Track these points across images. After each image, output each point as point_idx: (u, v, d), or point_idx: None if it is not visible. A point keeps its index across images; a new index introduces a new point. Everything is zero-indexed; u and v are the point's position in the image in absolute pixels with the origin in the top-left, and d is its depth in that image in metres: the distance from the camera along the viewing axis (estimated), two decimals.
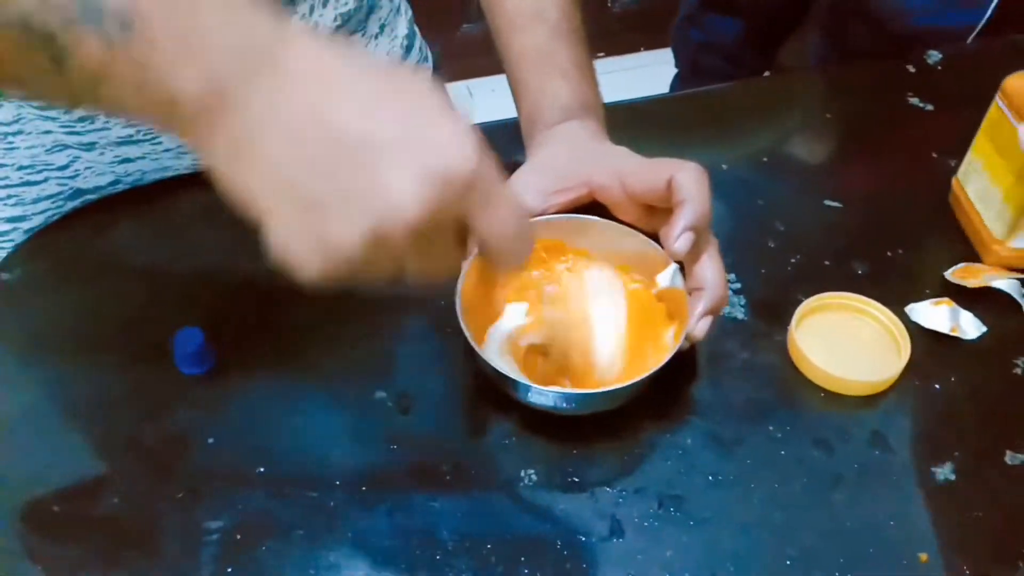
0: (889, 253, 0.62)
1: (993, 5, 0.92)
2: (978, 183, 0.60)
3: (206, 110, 0.34)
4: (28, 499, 0.49)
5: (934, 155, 0.70)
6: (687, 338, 0.49)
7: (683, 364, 0.54)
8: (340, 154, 0.34)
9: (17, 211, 0.64)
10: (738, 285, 0.60)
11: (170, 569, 0.46)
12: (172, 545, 0.47)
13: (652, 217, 0.52)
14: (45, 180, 0.64)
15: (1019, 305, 0.58)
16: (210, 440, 0.51)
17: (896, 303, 0.57)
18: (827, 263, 0.62)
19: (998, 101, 0.57)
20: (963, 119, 0.64)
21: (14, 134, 0.62)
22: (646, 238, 0.53)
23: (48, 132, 0.62)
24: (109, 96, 0.34)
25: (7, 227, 0.65)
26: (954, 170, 0.65)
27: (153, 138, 0.63)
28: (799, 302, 0.57)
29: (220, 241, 0.36)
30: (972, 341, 0.56)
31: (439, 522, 0.48)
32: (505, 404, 0.52)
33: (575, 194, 0.54)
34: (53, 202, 0.65)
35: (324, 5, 0.64)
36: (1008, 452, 0.51)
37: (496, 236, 0.38)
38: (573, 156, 0.55)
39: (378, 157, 0.34)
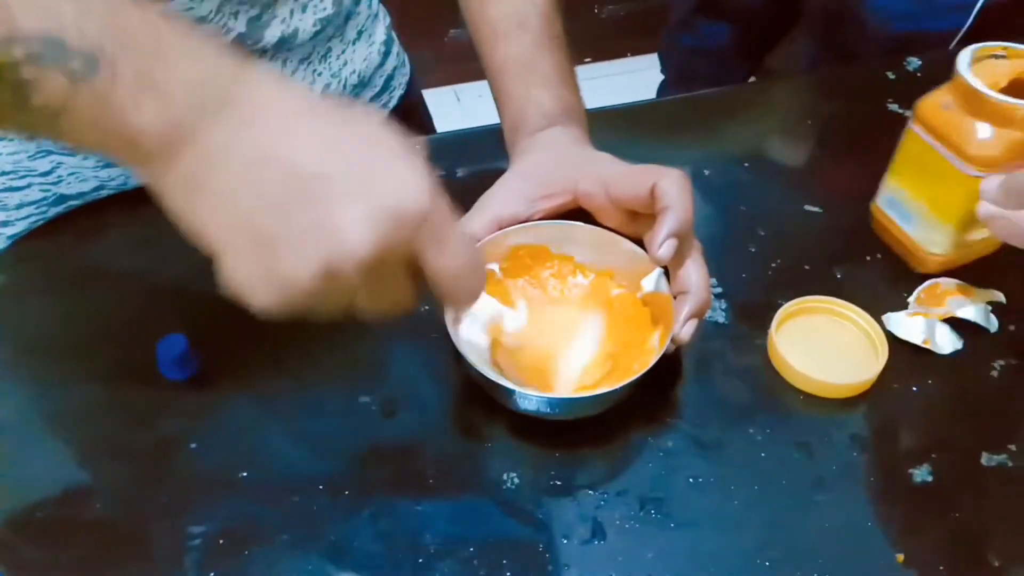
0: (868, 258, 0.63)
1: (975, 12, 0.94)
2: (901, 206, 0.61)
3: (164, 146, 0.35)
4: (12, 505, 0.49)
5: None
6: (673, 341, 0.50)
7: (666, 368, 0.55)
8: (293, 191, 0.35)
9: (1, 216, 0.64)
10: (719, 289, 0.61)
11: (154, 574, 0.46)
12: (156, 550, 0.47)
13: (636, 222, 0.53)
14: (28, 186, 0.64)
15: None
16: (193, 445, 0.51)
17: (875, 307, 0.58)
18: (807, 268, 0.62)
19: (913, 127, 0.58)
20: None
21: None
22: (630, 243, 0.54)
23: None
24: (68, 130, 0.35)
25: None
26: None
27: None
28: (780, 306, 0.57)
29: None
30: (947, 355, 0.57)
31: (422, 526, 0.48)
32: (489, 408, 0.52)
33: (560, 200, 0.55)
34: (37, 208, 0.65)
35: (303, 10, 0.64)
36: (984, 453, 0.52)
37: (447, 274, 0.38)
38: (557, 162, 0.56)
39: (331, 195, 0.34)
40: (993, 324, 0.58)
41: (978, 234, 0.59)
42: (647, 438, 0.52)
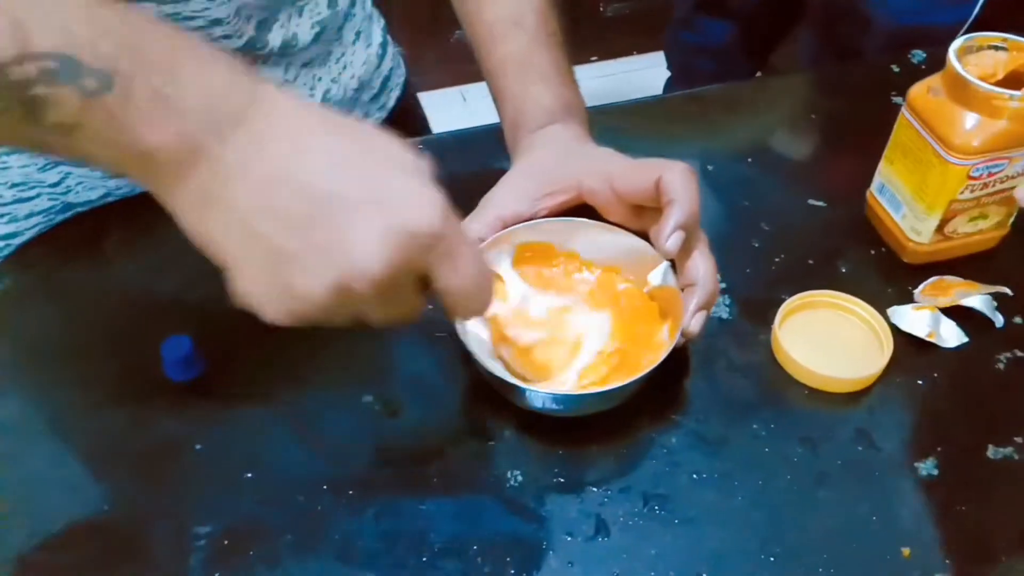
0: (872, 252, 0.63)
1: (979, 5, 0.93)
2: (890, 191, 0.61)
3: (177, 163, 0.35)
4: (17, 508, 0.49)
5: None
6: (682, 335, 0.50)
7: (670, 364, 0.54)
8: (307, 209, 0.35)
9: (11, 228, 0.65)
10: (723, 285, 0.60)
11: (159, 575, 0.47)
12: (161, 551, 0.47)
13: (641, 217, 0.53)
14: (37, 196, 0.64)
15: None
16: (198, 446, 0.51)
17: (879, 301, 0.58)
18: (811, 262, 0.62)
19: (905, 113, 0.58)
20: None
21: (7, 154, 0.62)
22: (636, 238, 0.53)
23: None
24: (81, 146, 0.35)
25: (0, 244, 0.65)
26: None
27: None
28: (783, 301, 0.57)
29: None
30: (952, 349, 0.57)
31: (426, 524, 0.48)
32: (492, 406, 0.52)
33: (564, 197, 0.55)
34: (45, 216, 0.65)
35: (300, 14, 0.64)
36: (990, 446, 0.52)
37: (456, 290, 0.39)
38: (559, 159, 0.56)
39: (344, 213, 0.35)
40: (999, 318, 0.58)
41: (964, 227, 0.59)
42: (651, 435, 0.52)
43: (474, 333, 0.51)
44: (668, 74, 1.73)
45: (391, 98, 0.79)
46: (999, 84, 0.54)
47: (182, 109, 0.35)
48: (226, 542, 0.47)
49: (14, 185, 0.64)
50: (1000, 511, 0.49)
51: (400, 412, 0.53)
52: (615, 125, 0.75)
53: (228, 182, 0.35)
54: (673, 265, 0.52)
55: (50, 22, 0.33)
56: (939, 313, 0.57)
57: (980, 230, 0.60)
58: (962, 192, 0.56)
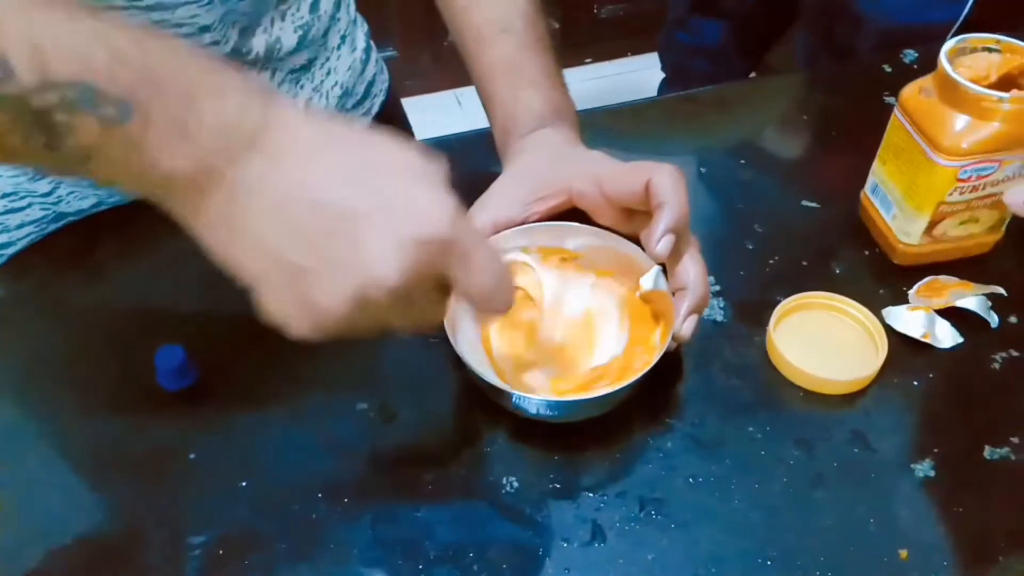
0: (867, 252, 0.63)
1: (971, 1, 0.93)
2: (882, 192, 0.61)
3: (194, 187, 0.36)
4: (10, 519, 0.49)
5: None
6: (674, 339, 0.50)
7: (665, 367, 0.54)
8: (322, 224, 0.36)
9: (3, 238, 0.65)
10: (717, 288, 0.60)
11: None
12: (156, 561, 0.47)
13: (631, 220, 0.53)
14: (29, 205, 0.64)
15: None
16: (192, 455, 0.51)
17: (874, 302, 0.58)
18: (805, 264, 0.62)
19: (897, 114, 0.58)
20: None
21: None
22: (627, 241, 0.53)
23: None
24: (99, 171, 0.36)
25: None
26: None
27: None
28: (778, 303, 0.57)
29: (201, 257, 0.37)
30: (947, 350, 0.57)
31: (422, 532, 0.48)
32: (488, 412, 0.52)
33: (554, 201, 0.55)
34: (37, 226, 0.65)
35: (282, 19, 0.64)
36: (987, 447, 0.52)
37: (476, 291, 0.40)
38: (550, 164, 0.56)
39: (358, 226, 0.36)
40: (993, 318, 0.58)
41: (954, 231, 0.59)
42: (646, 439, 0.52)
43: (466, 339, 0.51)
44: (663, 75, 1.73)
45: (375, 103, 0.79)
46: (992, 86, 0.54)
47: (197, 134, 0.35)
48: (221, 551, 0.47)
49: (5, 195, 0.63)
50: (997, 511, 0.49)
51: (395, 419, 0.53)
52: (609, 127, 0.75)
53: (244, 203, 0.36)
54: (665, 269, 0.52)
55: (69, 50, 0.34)
56: (934, 314, 0.57)
57: (971, 234, 0.59)
58: (951, 194, 0.56)
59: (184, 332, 0.55)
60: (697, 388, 0.55)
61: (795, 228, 0.65)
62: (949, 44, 0.56)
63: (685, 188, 0.50)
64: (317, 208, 0.36)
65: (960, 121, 0.54)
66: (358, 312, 0.37)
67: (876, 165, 0.62)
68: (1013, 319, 0.58)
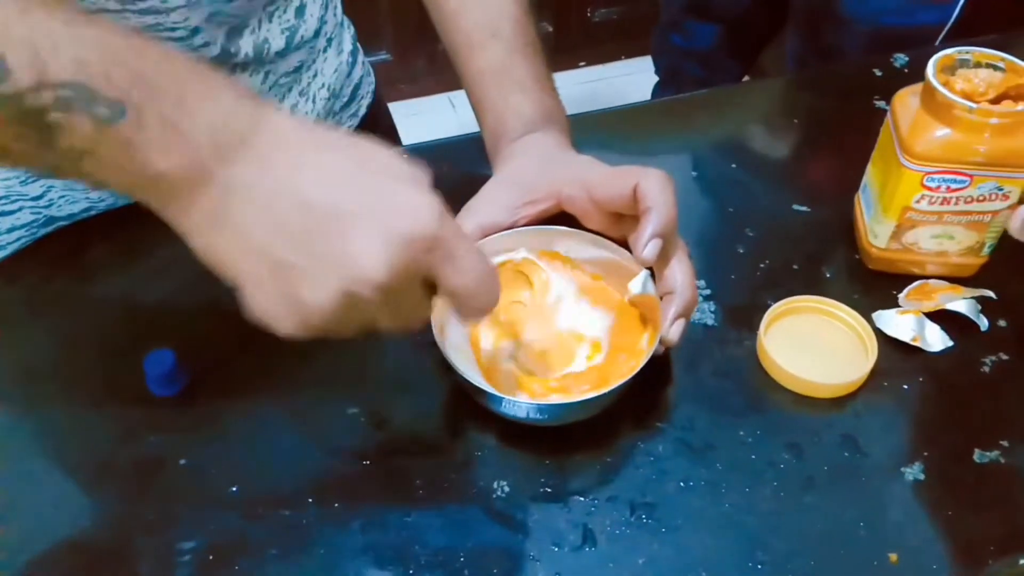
0: (857, 256, 0.63)
1: (961, 4, 0.94)
2: (868, 193, 0.61)
3: (186, 186, 0.37)
4: (1, 522, 0.49)
5: None
6: (662, 342, 0.50)
7: (655, 372, 0.55)
8: (310, 223, 0.37)
9: None
10: (708, 291, 0.60)
11: None
12: (145, 567, 0.47)
13: (620, 224, 0.53)
14: (19, 209, 0.64)
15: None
16: (183, 461, 0.51)
17: (864, 306, 0.58)
18: (796, 267, 0.62)
19: (888, 116, 0.58)
20: None
21: None
22: (616, 246, 0.54)
23: None
24: (92, 171, 0.37)
25: None
26: None
27: None
28: (769, 307, 0.57)
29: (191, 262, 0.38)
30: (937, 353, 0.57)
31: (412, 536, 0.48)
32: (478, 417, 0.52)
33: (543, 206, 0.55)
34: (27, 230, 0.65)
35: (269, 20, 0.64)
36: (977, 450, 0.52)
37: (462, 291, 0.40)
38: (539, 168, 0.56)
39: (345, 224, 0.37)
40: (983, 321, 0.58)
41: (927, 243, 0.58)
42: (637, 443, 0.52)
43: (453, 343, 0.51)
44: (656, 79, 1.73)
45: (362, 106, 0.80)
46: (989, 103, 0.53)
47: (190, 135, 0.36)
48: (211, 557, 0.47)
49: None
50: (987, 515, 0.49)
51: (386, 424, 0.53)
52: (601, 131, 0.75)
53: (234, 202, 0.37)
54: (653, 273, 0.52)
55: (65, 51, 0.35)
56: (924, 317, 0.57)
57: (947, 251, 0.59)
58: (917, 201, 0.56)
59: (174, 337, 0.55)
60: (687, 392, 0.55)
61: (786, 232, 0.65)
62: (948, 52, 0.56)
63: (673, 193, 0.50)
64: (305, 207, 0.37)
65: (931, 127, 0.54)
66: (345, 310, 0.37)
67: (868, 167, 0.62)
68: (1002, 323, 0.58)
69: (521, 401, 0.49)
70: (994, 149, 0.53)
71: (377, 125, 0.82)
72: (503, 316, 0.55)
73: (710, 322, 0.59)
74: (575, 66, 2.11)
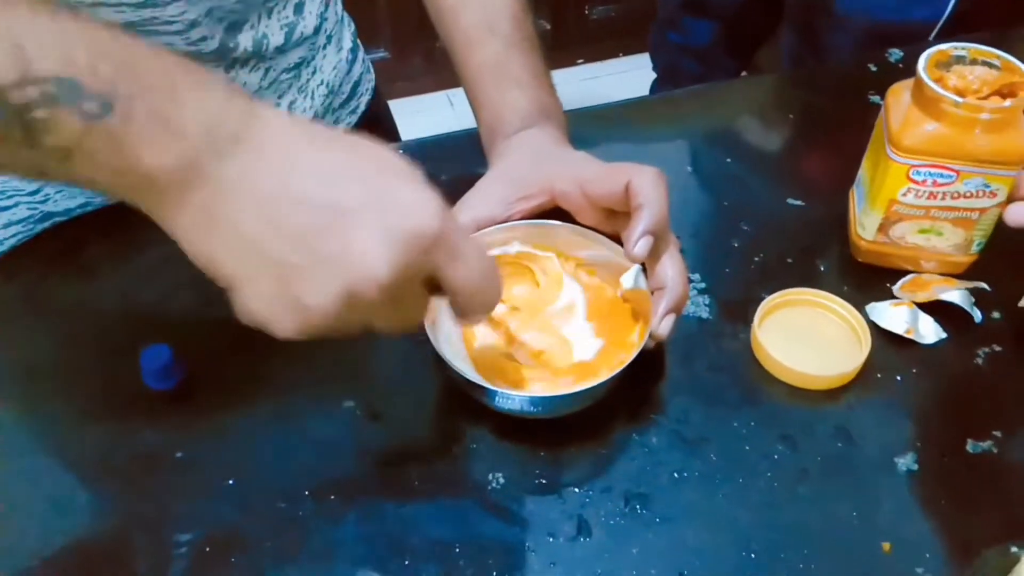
0: (850, 250, 0.63)
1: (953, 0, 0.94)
2: (861, 186, 0.62)
3: (177, 184, 0.35)
4: None
5: None
6: (652, 337, 0.50)
7: (650, 364, 0.55)
8: (309, 220, 0.36)
9: None
10: (703, 285, 0.61)
11: None
12: (142, 560, 0.47)
13: (613, 220, 0.53)
14: (16, 205, 0.64)
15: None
16: (179, 455, 0.51)
17: (858, 299, 0.58)
18: (790, 261, 0.62)
19: (881, 113, 0.58)
20: None
21: None
22: (609, 241, 0.54)
23: None
24: (80, 169, 0.35)
25: None
26: None
27: None
28: (763, 300, 0.57)
29: (188, 258, 0.37)
30: (930, 345, 0.57)
31: (408, 528, 0.48)
32: (473, 409, 0.52)
33: (537, 201, 0.55)
34: (24, 226, 0.65)
35: (269, 15, 0.65)
36: (969, 441, 0.52)
37: (464, 288, 0.40)
38: (534, 164, 0.56)
39: (346, 221, 0.36)
40: (977, 313, 0.58)
41: (913, 237, 0.58)
42: (631, 434, 0.52)
43: (446, 337, 0.51)
44: (654, 76, 1.74)
45: (362, 103, 0.80)
46: (983, 99, 0.53)
47: (181, 130, 0.35)
48: (207, 549, 0.47)
49: None
50: (979, 504, 0.49)
51: (381, 417, 0.53)
52: (596, 127, 0.75)
53: (228, 200, 0.36)
54: (645, 268, 0.52)
55: (50, 46, 0.34)
56: (917, 309, 0.57)
57: (934, 247, 0.59)
58: (904, 194, 0.56)
59: (171, 333, 0.55)
60: (682, 384, 0.55)
61: (781, 226, 0.66)
62: (942, 47, 0.56)
63: (665, 190, 0.50)
64: (303, 205, 0.36)
65: (920, 121, 0.54)
66: (346, 310, 0.36)
67: (864, 160, 0.62)
68: (996, 315, 0.59)
69: (514, 394, 0.49)
70: (982, 145, 0.53)
71: (377, 123, 0.82)
72: (499, 311, 0.55)
73: (705, 315, 0.59)
74: (573, 64, 2.11)
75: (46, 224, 0.66)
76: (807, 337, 0.57)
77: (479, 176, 0.58)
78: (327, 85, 0.73)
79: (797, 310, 0.58)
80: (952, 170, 0.54)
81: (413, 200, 0.37)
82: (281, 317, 0.37)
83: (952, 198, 0.56)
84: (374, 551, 0.47)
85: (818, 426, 0.53)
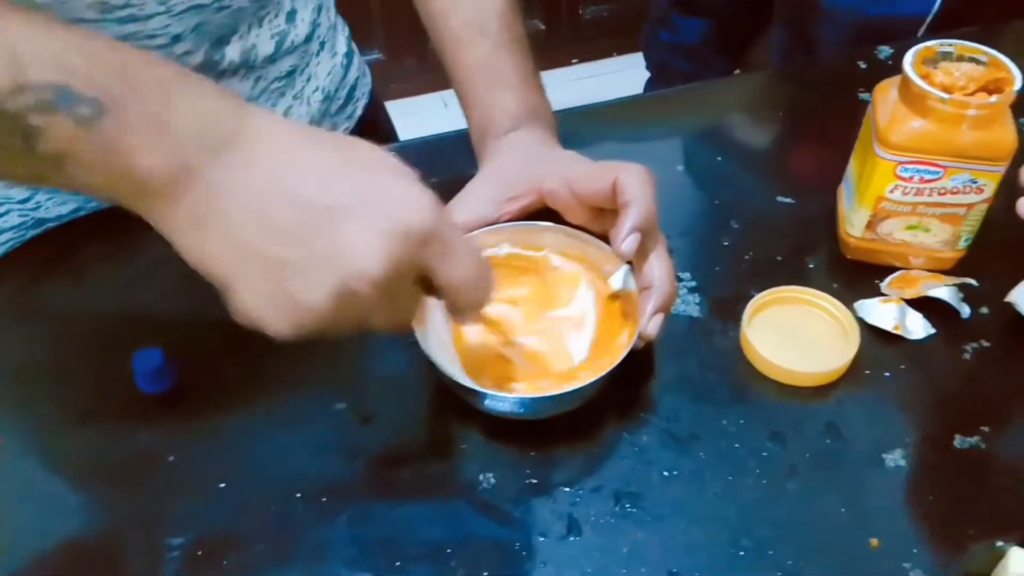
0: (839, 247, 0.63)
1: None
2: (849, 183, 0.62)
3: (171, 186, 0.36)
4: None
5: None
6: (640, 337, 0.50)
7: (640, 363, 0.55)
8: (302, 219, 0.36)
9: None
10: (694, 283, 0.61)
11: None
12: (134, 563, 0.47)
13: (602, 219, 0.53)
14: (7, 212, 0.64)
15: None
16: (171, 458, 0.52)
17: (847, 296, 0.58)
18: (780, 259, 0.63)
19: (869, 110, 0.59)
20: None
21: None
22: (597, 240, 0.54)
23: None
24: (75, 174, 0.36)
25: None
26: None
27: None
28: (753, 298, 0.58)
29: (180, 262, 0.38)
30: (919, 341, 0.57)
31: (400, 530, 0.48)
32: (464, 411, 0.53)
33: (526, 201, 0.55)
34: (16, 232, 0.65)
35: (260, 25, 0.65)
36: (957, 436, 0.52)
37: (457, 285, 0.40)
38: (523, 164, 0.56)
39: (340, 219, 0.36)
40: (965, 309, 0.58)
41: (901, 234, 0.59)
42: (621, 433, 0.53)
43: (436, 339, 0.51)
44: (648, 75, 1.74)
45: (358, 107, 0.79)
46: (970, 95, 0.53)
47: (175, 132, 0.36)
48: (199, 552, 0.48)
49: None
50: (967, 500, 0.50)
51: (373, 419, 0.54)
52: (588, 126, 0.75)
53: (221, 201, 0.36)
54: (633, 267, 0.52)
55: (44, 54, 0.34)
56: (905, 305, 0.58)
57: (923, 243, 0.59)
58: (891, 191, 0.56)
59: (163, 335, 0.55)
60: (672, 382, 0.55)
61: (770, 224, 0.66)
62: (929, 44, 0.56)
63: (653, 187, 0.50)
64: (296, 202, 0.36)
65: (907, 118, 0.54)
66: (340, 308, 0.37)
67: (851, 158, 0.63)
68: (984, 310, 0.59)
69: (504, 396, 0.50)
70: (968, 141, 0.53)
71: (374, 125, 0.82)
72: (497, 311, 0.55)
73: (695, 314, 0.59)
74: (567, 63, 2.11)
75: (38, 231, 0.66)
76: (796, 335, 0.57)
77: (470, 177, 0.58)
78: (322, 91, 0.73)
79: (786, 308, 0.58)
80: (939, 166, 0.54)
81: (406, 196, 0.37)
82: (275, 316, 0.37)
83: (939, 194, 0.56)
84: (366, 552, 0.48)
85: (807, 423, 0.53)
